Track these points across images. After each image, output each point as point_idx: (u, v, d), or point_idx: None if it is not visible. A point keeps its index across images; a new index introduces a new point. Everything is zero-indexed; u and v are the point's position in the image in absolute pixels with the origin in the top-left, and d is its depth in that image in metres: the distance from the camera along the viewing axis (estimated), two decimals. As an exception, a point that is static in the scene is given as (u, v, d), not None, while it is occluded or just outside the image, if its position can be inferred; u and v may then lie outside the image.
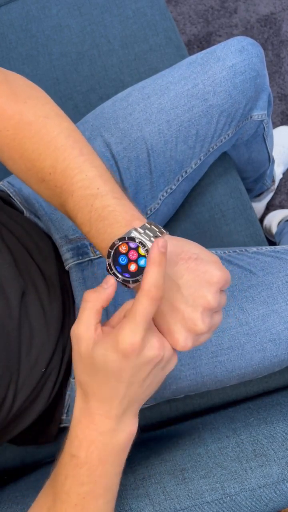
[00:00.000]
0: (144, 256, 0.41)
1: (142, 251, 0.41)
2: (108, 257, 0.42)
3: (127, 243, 0.41)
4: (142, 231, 0.42)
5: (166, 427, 0.77)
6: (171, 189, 0.73)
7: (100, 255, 0.68)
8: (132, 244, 0.41)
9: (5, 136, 0.50)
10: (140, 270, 0.41)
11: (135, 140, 0.68)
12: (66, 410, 0.66)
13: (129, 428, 0.43)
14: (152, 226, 0.42)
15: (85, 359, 0.40)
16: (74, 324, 0.41)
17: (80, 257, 0.67)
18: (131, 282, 0.42)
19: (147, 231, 0.42)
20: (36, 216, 0.71)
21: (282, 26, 1.42)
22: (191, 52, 1.44)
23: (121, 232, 0.43)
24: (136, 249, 0.41)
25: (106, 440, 0.42)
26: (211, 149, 0.74)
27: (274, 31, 1.43)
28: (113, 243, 0.42)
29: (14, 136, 0.49)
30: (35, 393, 0.59)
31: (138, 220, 0.44)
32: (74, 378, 0.65)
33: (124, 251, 0.41)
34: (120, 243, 0.41)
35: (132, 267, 0.41)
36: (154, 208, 0.73)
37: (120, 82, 0.97)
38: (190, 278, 0.42)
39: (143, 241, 0.41)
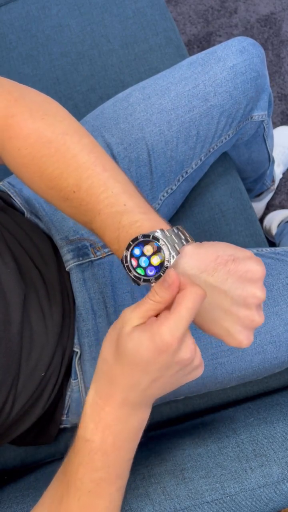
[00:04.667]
0: (155, 266, 0.41)
1: (153, 261, 0.41)
2: (127, 248, 0.42)
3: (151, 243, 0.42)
4: (168, 234, 0.42)
5: (166, 427, 0.77)
6: (171, 189, 0.73)
7: (101, 256, 0.68)
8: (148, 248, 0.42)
9: (23, 156, 0.48)
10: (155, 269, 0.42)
11: (136, 141, 0.68)
12: (66, 411, 0.66)
13: (143, 416, 0.43)
14: (179, 232, 0.43)
15: (120, 339, 0.39)
16: (130, 307, 0.40)
17: (81, 258, 0.67)
18: (142, 281, 0.42)
19: (173, 236, 0.42)
20: (37, 217, 0.70)
21: (282, 26, 1.42)
22: (191, 52, 1.44)
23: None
24: (149, 257, 0.42)
25: (120, 425, 0.42)
26: (211, 150, 0.74)
27: (274, 31, 1.43)
28: (136, 237, 0.42)
29: (33, 155, 0.48)
30: (35, 397, 0.59)
31: None
32: (75, 380, 0.65)
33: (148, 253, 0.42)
34: (142, 239, 0.42)
35: (133, 262, 0.42)
36: (154, 209, 0.73)
37: (120, 82, 0.97)
38: (235, 280, 0.42)
39: (165, 245, 0.41)
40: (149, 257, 0.42)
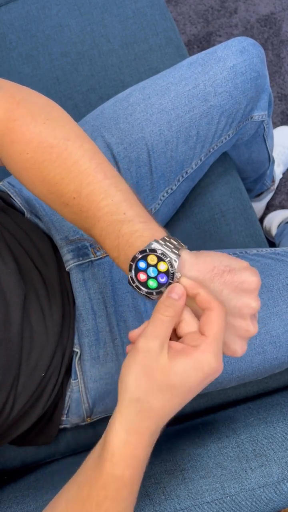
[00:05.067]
0: (164, 272, 0.42)
1: (161, 267, 0.42)
2: (130, 270, 0.43)
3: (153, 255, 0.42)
4: (162, 242, 0.42)
5: (166, 427, 0.76)
6: (171, 189, 0.73)
7: (101, 256, 0.68)
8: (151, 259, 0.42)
9: (25, 160, 0.48)
10: (160, 285, 0.42)
11: (136, 141, 0.68)
12: (66, 411, 0.66)
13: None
14: (172, 240, 0.43)
15: (156, 375, 0.39)
16: (142, 336, 0.40)
17: (81, 258, 0.67)
18: (154, 294, 0.42)
19: (167, 242, 0.43)
20: (37, 217, 0.70)
21: (282, 26, 1.42)
22: (191, 52, 1.44)
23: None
24: (156, 265, 0.42)
25: (147, 453, 0.42)
26: (211, 150, 0.74)
27: (274, 31, 1.43)
28: (134, 256, 0.42)
29: (34, 159, 0.47)
30: (35, 397, 0.59)
31: None
32: (74, 380, 0.65)
33: (152, 263, 0.42)
34: (141, 255, 0.42)
35: (151, 283, 0.42)
36: (154, 209, 0.73)
37: (120, 82, 0.97)
38: (230, 291, 0.43)
39: (165, 252, 0.42)
40: (155, 266, 0.42)
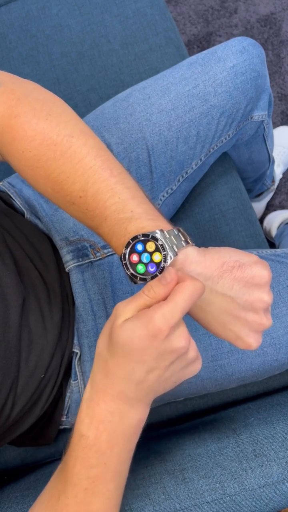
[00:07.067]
0: (156, 263, 0.42)
1: (155, 257, 0.42)
2: (126, 247, 0.42)
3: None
4: (167, 236, 0.42)
5: (166, 427, 0.77)
6: (171, 189, 0.73)
7: (100, 257, 0.68)
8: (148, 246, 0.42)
9: (28, 158, 0.47)
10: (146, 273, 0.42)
11: (136, 141, 0.68)
12: (66, 412, 0.66)
13: (139, 415, 0.43)
14: (180, 235, 0.43)
15: (113, 332, 0.39)
16: (124, 301, 0.40)
17: (81, 259, 0.67)
18: (138, 278, 0.42)
19: (172, 237, 0.42)
20: (37, 217, 0.70)
21: (282, 26, 1.42)
22: (191, 52, 1.44)
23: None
24: (151, 253, 0.42)
25: (115, 420, 0.41)
26: (211, 150, 0.73)
27: (274, 31, 1.43)
28: (136, 236, 0.42)
29: (38, 157, 0.46)
30: (34, 398, 0.59)
31: None
32: (74, 381, 0.65)
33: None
34: (142, 238, 0.42)
35: (140, 268, 0.42)
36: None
37: (120, 82, 0.96)
38: (241, 286, 0.42)
39: (164, 245, 0.42)
40: (151, 254, 0.42)
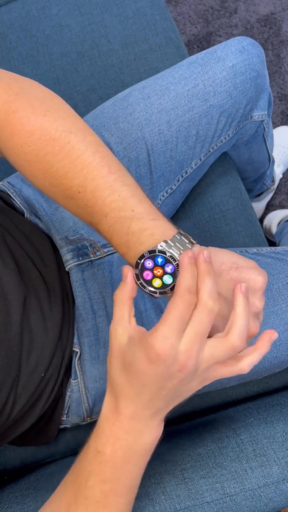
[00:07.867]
0: (171, 274, 0.42)
1: (167, 269, 0.42)
2: (136, 267, 0.42)
3: (153, 259, 0.42)
4: (172, 243, 0.42)
5: (166, 427, 0.76)
6: (171, 189, 0.73)
7: (100, 256, 0.68)
8: (158, 260, 0.42)
9: (26, 153, 0.47)
10: (164, 286, 0.42)
11: (135, 140, 0.68)
12: (66, 411, 0.66)
13: (155, 433, 0.43)
14: (183, 238, 0.43)
15: (117, 354, 0.40)
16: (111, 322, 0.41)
17: (81, 258, 0.67)
18: (158, 293, 0.42)
19: (177, 243, 0.42)
20: (37, 216, 0.70)
21: (282, 26, 1.42)
22: (191, 52, 1.44)
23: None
24: (162, 266, 0.42)
25: (131, 439, 0.42)
26: (211, 149, 0.73)
27: (274, 31, 1.43)
28: (142, 254, 0.42)
29: (36, 152, 0.46)
30: (35, 398, 0.59)
31: None
32: (75, 380, 0.65)
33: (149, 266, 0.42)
34: (149, 255, 0.42)
35: (157, 283, 0.42)
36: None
37: (120, 82, 0.97)
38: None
39: (173, 255, 0.42)
40: (162, 267, 0.42)
